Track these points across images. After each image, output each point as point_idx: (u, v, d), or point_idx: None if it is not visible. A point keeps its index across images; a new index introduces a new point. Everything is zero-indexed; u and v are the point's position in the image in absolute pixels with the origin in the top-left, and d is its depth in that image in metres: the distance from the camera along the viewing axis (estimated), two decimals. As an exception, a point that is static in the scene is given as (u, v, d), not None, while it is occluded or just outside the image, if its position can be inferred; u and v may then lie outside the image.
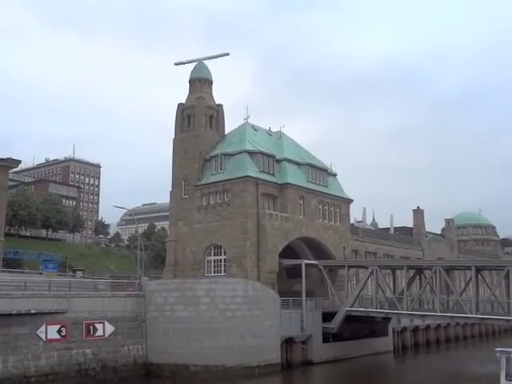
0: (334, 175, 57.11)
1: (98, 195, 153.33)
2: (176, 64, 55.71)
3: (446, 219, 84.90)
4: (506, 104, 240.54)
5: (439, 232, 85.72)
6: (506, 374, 22.75)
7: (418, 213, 73.03)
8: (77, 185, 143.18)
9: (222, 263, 47.26)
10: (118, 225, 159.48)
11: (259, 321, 37.96)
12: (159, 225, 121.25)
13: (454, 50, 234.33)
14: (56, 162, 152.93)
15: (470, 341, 64.75)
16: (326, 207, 53.41)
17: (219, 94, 58.22)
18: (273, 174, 49.61)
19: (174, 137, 52.87)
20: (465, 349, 58.91)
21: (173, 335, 36.51)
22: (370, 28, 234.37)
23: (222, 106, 53.89)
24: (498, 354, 23.56)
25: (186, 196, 50.62)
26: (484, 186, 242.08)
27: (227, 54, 55.75)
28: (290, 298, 41.80)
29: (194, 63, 54.79)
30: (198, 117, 51.51)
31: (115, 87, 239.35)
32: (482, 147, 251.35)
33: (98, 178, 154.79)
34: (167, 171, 52.94)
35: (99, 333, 34.42)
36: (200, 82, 53.71)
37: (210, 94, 54.12)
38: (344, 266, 48.13)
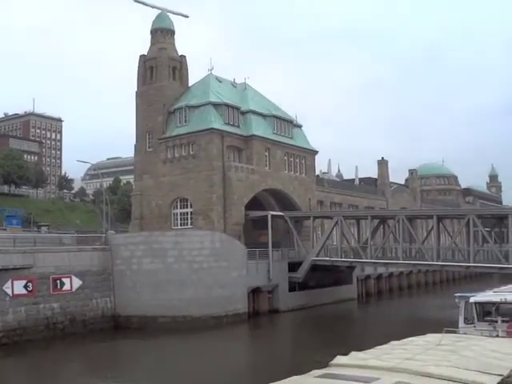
0: (299, 127, 57.07)
1: (60, 150, 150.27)
2: (135, 1, 53.74)
3: (409, 170, 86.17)
4: (467, 57, 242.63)
5: (403, 182, 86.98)
6: (465, 318, 23.55)
7: (383, 163, 73.89)
8: (38, 139, 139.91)
9: (189, 216, 47.36)
10: (82, 179, 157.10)
11: (226, 272, 38.41)
12: (124, 179, 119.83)
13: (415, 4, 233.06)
14: (16, 116, 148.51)
15: (431, 287, 66.96)
16: (292, 159, 53.57)
17: (182, 46, 56.99)
18: (238, 126, 49.32)
19: (136, 89, 51.88)
20: (426, 295, 60.84)
21: (140, 288, 36.73)
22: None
23: (185, 57, 52.86)
24: (457, 300, 24.32)
25: (150, 149, 50.11)
26: (447, 138, 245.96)
27: (186, 17, 54.83)
28: (257, 249, 42.34)
29: (154, 9, 53.38)
30: (161, 68, 50.53)
31: (76, 39, 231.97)
32: (446, 101, 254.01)
33: (60, 133, 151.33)
34: (131, 124, 52.21)
35: (66, 287, 34.33)
36: (162, 33, 52.46)
37: (173, 44, 52.97)
38: (309, 217, 48.76)
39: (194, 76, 53.90)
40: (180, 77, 52.23)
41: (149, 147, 50.25)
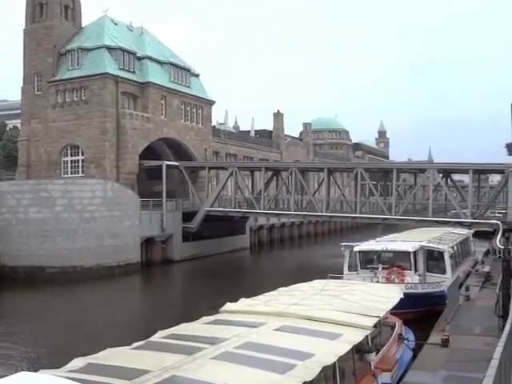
0: (197, 76, 56.24)
1: None
2: None
3: (303, 123, 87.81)
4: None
5: (297, 135, 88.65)
6: (349, 266, 24.98)
7: (278, 116, 74.72)
8: None
9: (80, 164, 45.78)
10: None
11: (118, 221, 37.84)
12: (11, 123, 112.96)
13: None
14: None
15: (320, 237, 69.86)
16: (188, 108, 52.86)
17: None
18: (133, 72, 47.77)
19: (24, 27, 48.57)
20: (315, 244, 63.39)
21: (27, 237, 35.38)
22: None
23: (78, -5, 49.94)
24: (342, 248, 25.64)
25: (39, 92, 47.48)
26: (341, 92, 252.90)
27: None
28: (151, 199, 41.98)
29: None
30: (52, 5, 47.39)
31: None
32: (340, 55, 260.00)
33: None
34: (18, 65, 49.05)
35: None
36: (53, -33, 49.05)
37: (64, -20, 49.74)
38: (205, 168, 48.81)
39: (87, 17, 51.30)
40: (73, 17, 49.37)
41: (37, 90, 47.60)
